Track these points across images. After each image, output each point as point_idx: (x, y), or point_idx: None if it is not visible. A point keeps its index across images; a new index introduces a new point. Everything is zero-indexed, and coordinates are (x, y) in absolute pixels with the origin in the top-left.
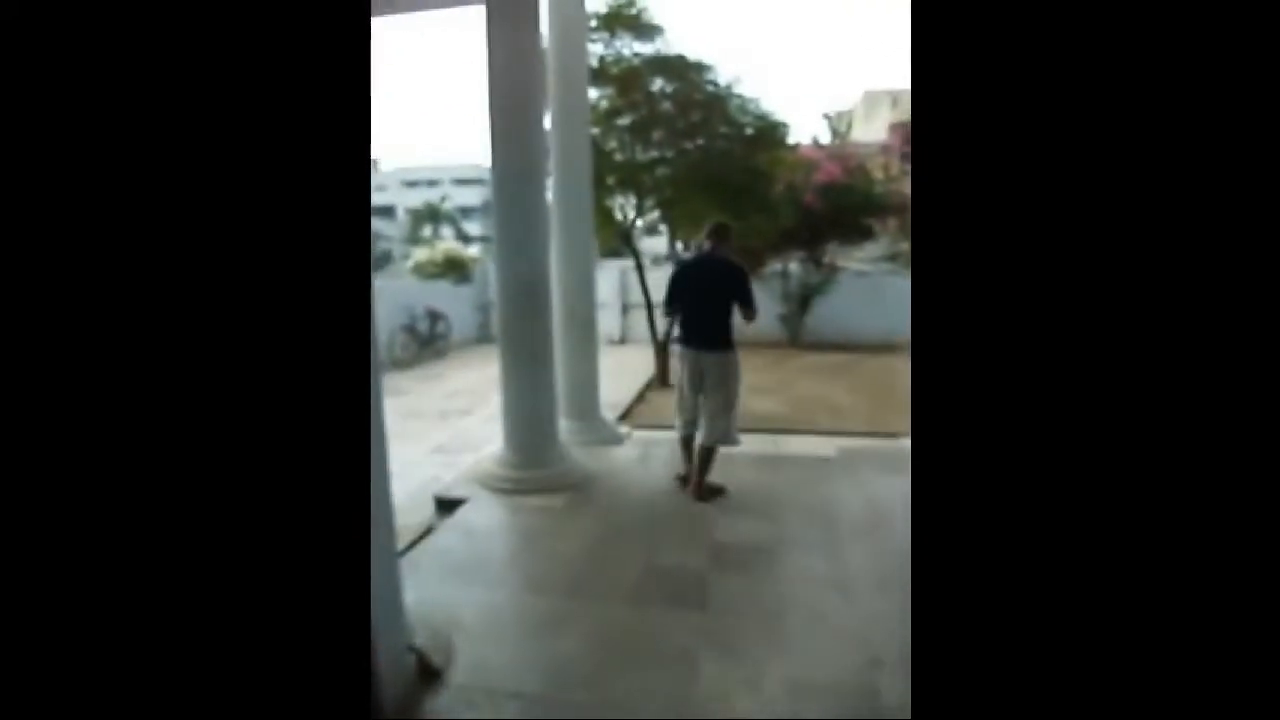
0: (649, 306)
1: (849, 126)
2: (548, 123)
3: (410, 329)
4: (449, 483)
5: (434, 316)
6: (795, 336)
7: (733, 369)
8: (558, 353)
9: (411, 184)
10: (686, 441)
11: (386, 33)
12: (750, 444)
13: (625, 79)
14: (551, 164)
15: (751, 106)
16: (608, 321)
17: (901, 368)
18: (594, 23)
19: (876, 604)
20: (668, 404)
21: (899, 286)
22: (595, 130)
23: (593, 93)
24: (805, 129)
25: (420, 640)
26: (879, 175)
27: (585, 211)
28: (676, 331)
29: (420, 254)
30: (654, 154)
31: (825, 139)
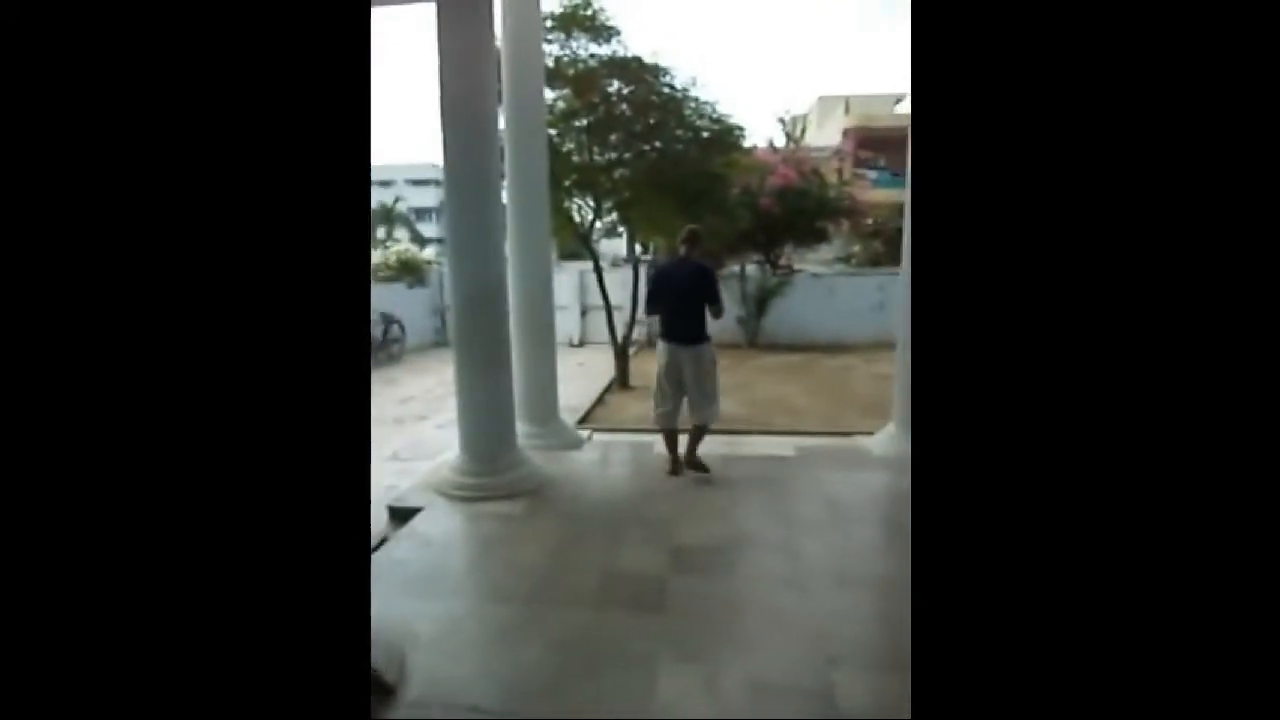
0: (608, 309)
1: (803, 131)
2: (502, 123)
3: None
4: (404, 491)
5: (388, 321)
6: (753, 338)
7: (709, 359)
8: (515, 356)
9: None
10: (669, 433)
11: None
12: (711, 444)
13: (582, 80)
14: (506, 165)
15: (708, 110)
16: (567, 324)
17: (856, 367)
18: (550, 23)
19: (833, 601)
20: (628, 406)
21: (852, 287)
22: (552, 131)
23: (549, 93)
24: (760, 132)
25: (371, 657)
26: (833, 179)
27: (542, 213)
28: (657, 329)
29: (373, 257)
30: (611, 156)
31: (780, 143)
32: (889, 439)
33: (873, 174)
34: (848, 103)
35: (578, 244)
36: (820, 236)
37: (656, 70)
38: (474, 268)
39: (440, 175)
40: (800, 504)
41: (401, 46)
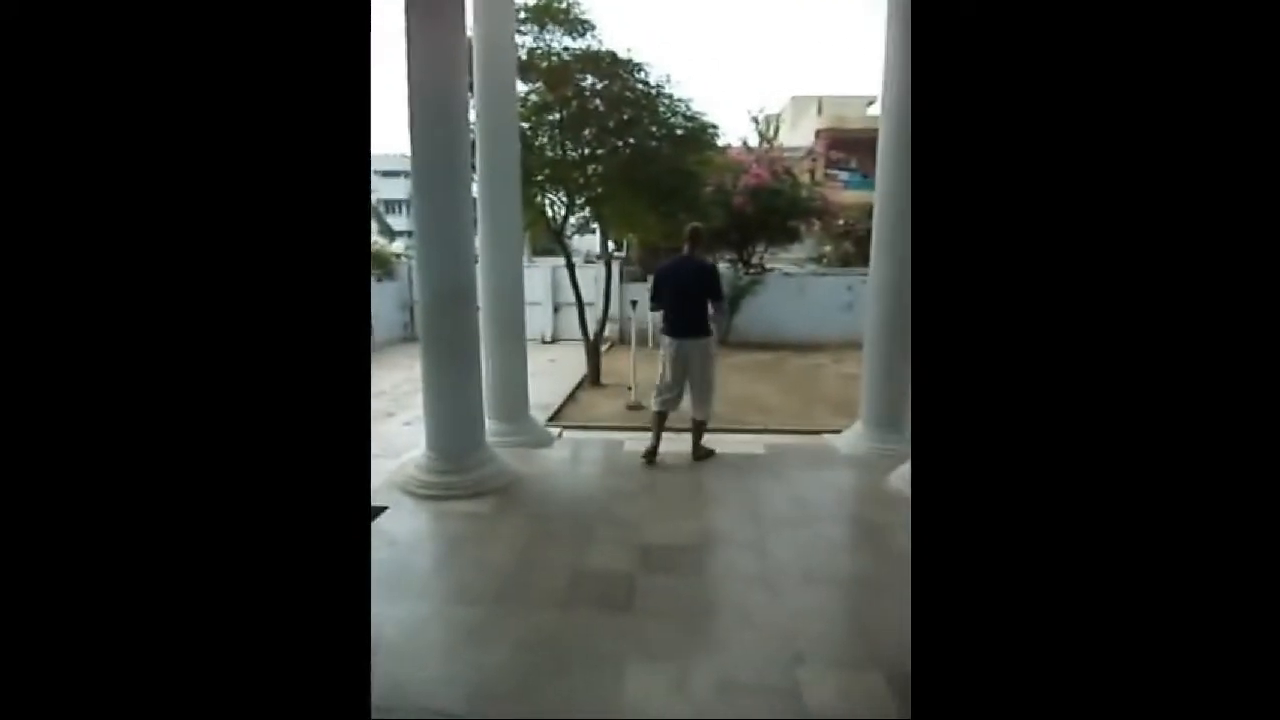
0: (580, 305)
1: (776, 130)
2: (473, 114)
3: None
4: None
5: None
6: (725, 336)
7: (711, 352)
8: (485, 352)
9: None
10: (661, 417)
11: None
12: (680, 444)
13: (555, 73)
14: (477, 157)
15: (681, 107)
16: (539, 320)
17: (826, 366)
18: (523, 14)
19: (800, 599)
20: (600, 404)
21: (823, 286)
22: (524, 125)
23: (521, 86)
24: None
25: None
26: (805, 179)
27: (513, 207)
28: (660, 324)
29: None
30: (584, 151)
31: (754, 142)
32: (856, 437)
33: (844, 175)
34: (820, 104)
35: (550, 240)
36: (792, 236)
37: (631, 66)
38: (442, 262)
39: (409, 166)
40: (769, 502)
41: (372, 30)
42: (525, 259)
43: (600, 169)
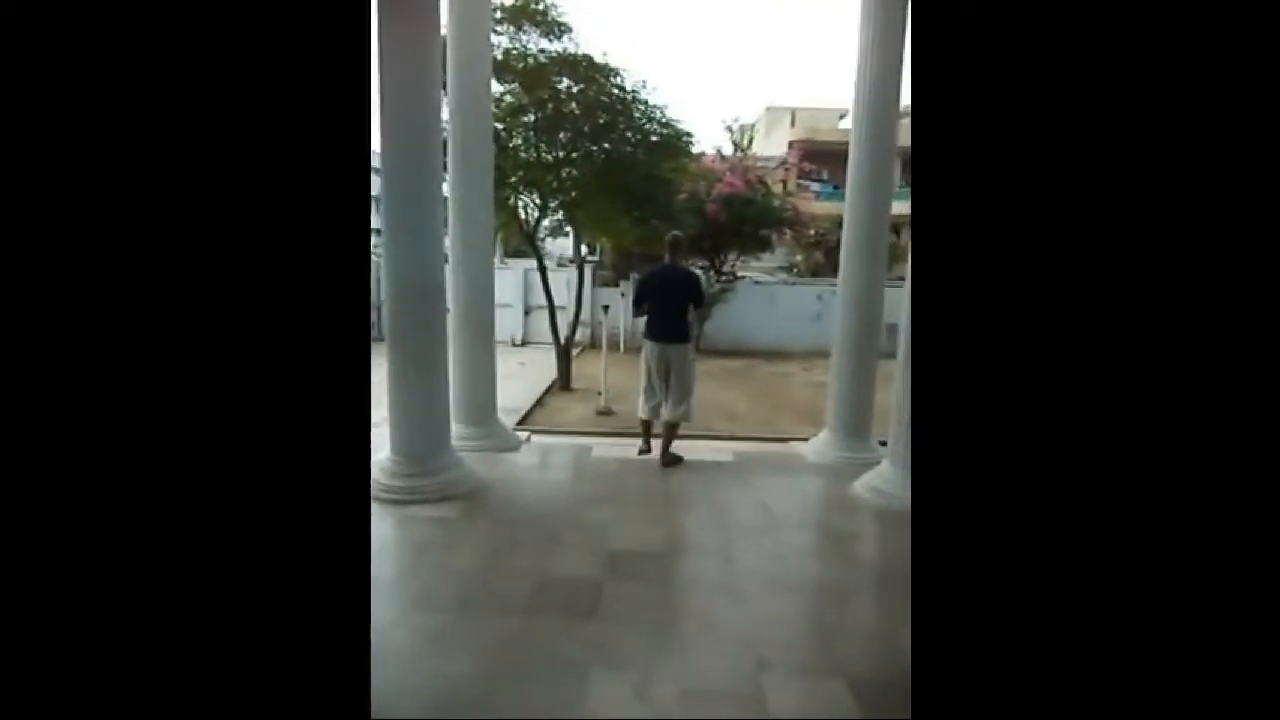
0: (552, 308)
1: (750, 140)
2: (446, 114)
3: None
4: None
5: None
6: (696, 343)
7: (691, 357)
8: (453, 354)
9: None
10: (647, 424)
11: None
12: (653, 449)
13: (531, 75)
14: (450, 157)
15: (657, 114)
16: (509, 323)
17: (794, 374)
18: (499, 14)
19: (765, 606)
20: (569, 409)
21: (794, 295)
22: (499, 126)
23: (496, 86)
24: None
25: None
26: (778, 189)
27: (485, 208)
28: (642, 329)
29: None
30: (559, 154)
31: (728, 151)
32: (823, 445)
33: (816, 186)
34: (794, 115)
35: (523, 242)
36: (764, 245)
37: (607, 70)
38: (411, 262)
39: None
40: (736, 509)
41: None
42: (497, 261)
43: (575, 173)
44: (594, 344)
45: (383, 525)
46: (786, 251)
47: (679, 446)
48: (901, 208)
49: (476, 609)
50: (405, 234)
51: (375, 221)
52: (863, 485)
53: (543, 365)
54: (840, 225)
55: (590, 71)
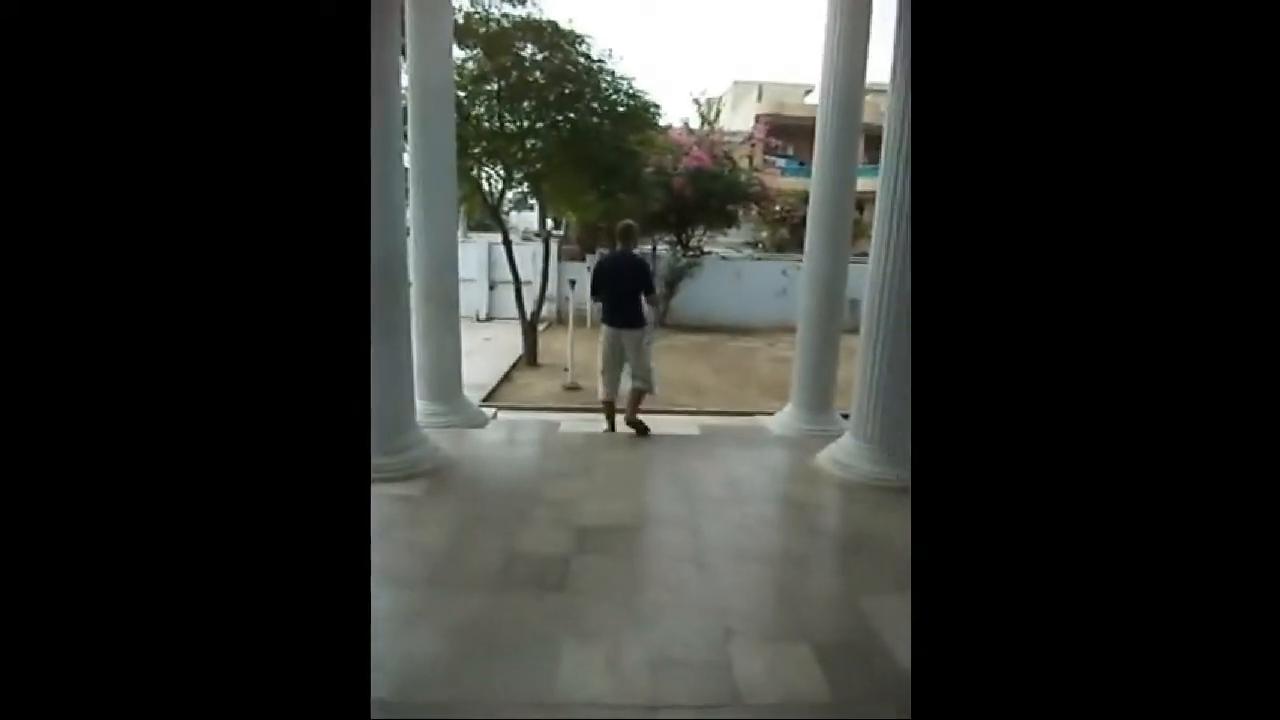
0: (517, 283)
1: (718, 114)
2: (405, 78)
3: None
4: None
5: None
6: (662, 318)
7: (646, 339)
8: (416, 330)
9: None
10: (609, 404)
11: None
12: (620, 424)
13: (494, 40)
14: (409, 125)
15: (624, 84)
16: (474, 297)
17: (759, 350)
18: None
19: (731, 576)
20: (536, 384)
21: (759, 271)
22: (461, 93)
23: (458, 52)
24: (676, 112)
25: None
26: (744, 164)
27: (448, 179)
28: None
29: None
30: (523, 124)
31: (695, 124)
32: (788, 418)
33: (781, 162)
34: (761, 89)
35: (486, 215)
36: (730, 220)
37: (573, 38)
38: (372, 234)
39: None
40: (703, 482)
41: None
42: (460, 234)
43: (540, 144)
44: (560, 319)
45: None
46: (752, 227)
47: (645, 420)
48: (866, 184)
49: (445, 585)
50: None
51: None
52: (825, 457)
53: (508, 341)
54: (806, 201)
55: (555, 38)
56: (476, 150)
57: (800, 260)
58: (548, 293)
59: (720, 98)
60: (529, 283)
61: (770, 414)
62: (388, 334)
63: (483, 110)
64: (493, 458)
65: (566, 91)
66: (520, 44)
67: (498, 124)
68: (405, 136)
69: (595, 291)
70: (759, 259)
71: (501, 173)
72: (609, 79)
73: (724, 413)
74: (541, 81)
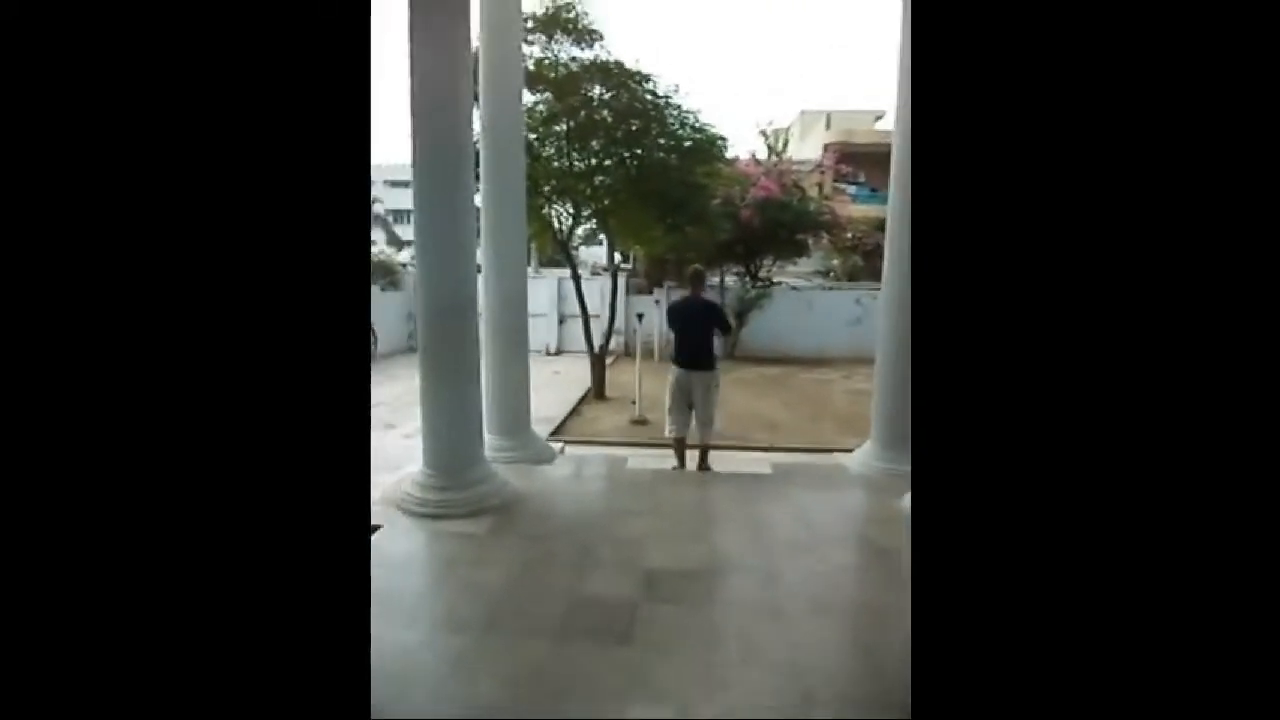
0: (585, 317)
1: (785, 144)
2: (478, 124)
3: None
4: None
5: None
6: (731, 350)
7: (715, 382)
8: (486, 365)
9: None
10: (679, 441)
11: None
12: (689, 460)
13: (563, 83)
14: (482, 168)
15: (690, 119)
16: (543, 332)
17: (834, 381)
18: (530, 23)
19: (809, 630)
20: (603, 418)
21: (831, 300)
22: (531, 135)
23: (528, 96)
24: (743, 144)
25: None
26: (813, 193)
27: (518, 218)
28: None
29: None
30: (591, 162)
31: (762, 155)
32: (867, 457)
33: (852, 189)
34: (829, 118)
35: (556, 250)
36: (800, 250)
37: (639, 77)
38: (443, 275)
39: None
40: (777, 525)
41: (374, 37)
42: (530, 270)
43: (607, 180)
44: (628, 352)
45: (413, 540)
46: (823, 256)
47: (713, 455)
48: None
49: (507, 631)
50: (437, 246)
51: (406, 234)
52: (910, 500)
53: (577, 374)
54: (878, 228)
55: (622, 78)
56: (546, 189)
57: (874, 289)
58: (615, 326)
59: (787, 128)
60: (597, 317)
61: (848, 450)
62: (458, 371)
63: (552, 150)
64: (560, 493)
65: (634, 128)
66: (588, 85)
67: (567, 163)
68: (478, 180)
69: (671, 325)
70: (830, 288)
71: (570, 210)
72: (675, 114)
73: (798, 449)
74: (609, 120)
